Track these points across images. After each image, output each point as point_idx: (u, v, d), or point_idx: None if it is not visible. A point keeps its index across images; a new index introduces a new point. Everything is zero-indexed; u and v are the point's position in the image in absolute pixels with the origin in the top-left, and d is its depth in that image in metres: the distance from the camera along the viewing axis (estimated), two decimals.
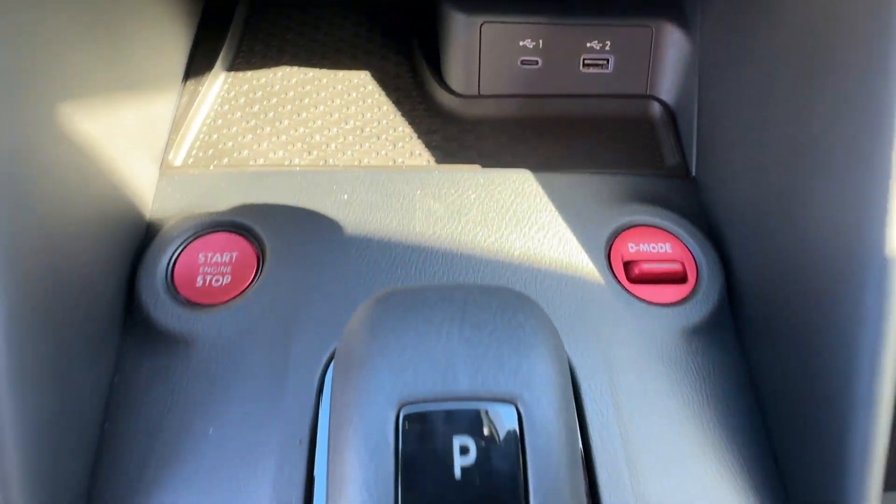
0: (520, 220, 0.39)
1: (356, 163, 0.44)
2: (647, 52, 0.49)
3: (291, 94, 0.49)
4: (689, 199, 0.44)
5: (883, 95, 0.29)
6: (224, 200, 0.40)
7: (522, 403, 0.21)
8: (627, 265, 0.38)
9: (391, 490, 0.19)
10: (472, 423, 0.20)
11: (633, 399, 0.33)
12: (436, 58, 0.51)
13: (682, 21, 0.48)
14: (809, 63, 0.34)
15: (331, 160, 0.44)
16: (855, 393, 0.29)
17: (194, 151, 0.44)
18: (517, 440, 0.20)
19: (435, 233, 0.37)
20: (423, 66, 0.51)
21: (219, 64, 0.50)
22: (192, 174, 0.42)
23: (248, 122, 0.47)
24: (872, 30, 0.29)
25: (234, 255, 0.37)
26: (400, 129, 0.47)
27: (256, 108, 0.48)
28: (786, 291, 0.34)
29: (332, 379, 0.23)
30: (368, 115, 0.48)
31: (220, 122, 0.47)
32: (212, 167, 0.43)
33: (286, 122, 0.47)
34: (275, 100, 0.49)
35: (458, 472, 0.19)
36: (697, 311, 0.37)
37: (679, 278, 0.38)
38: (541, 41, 0.48)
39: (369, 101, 0.49)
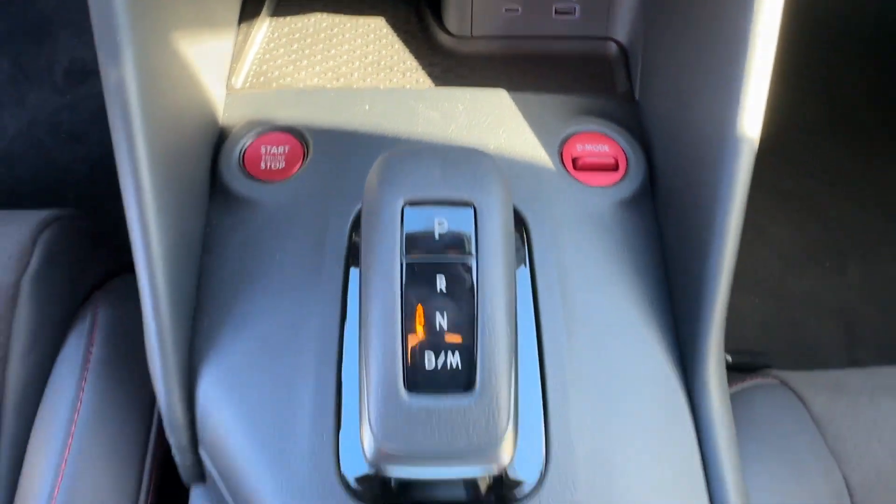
0: (496, 125, 0.52)
1: (374, 86, 0.57)
2: (606, 2, 0.61)
3: (322, 35, 0.62)
4: (632, 116, 0.56)
5: (740, 40, 0.41)
6: (274, 112, 0.53)
7: (478, 205, 0.34)
8: (575, 160, 0.51)
9: (398, 248, 0.33)
10: (447, 211, 0.34)
11: (572, 248, 0.46)
12: (438, 6, 0.64)
13: None
14: (709, 12, 0.46)
15: (355, 84, 0.58)
16: (710, 244, 0.42)
17: (250, 78, 0.58)
18: (473, 221, 0.34)
19: (432, 132, 0.51)
20: (427, 13, 0.64)
21: (264, 11, 0.63)
22: (249, 94, 0.55)
23: (289, 57, 0.60)
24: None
25: (287, 147, 0.50)
26: (408, 62, 0.60)
27: (295, 46, 0.61)
28: (685, 175, 0.47)
29: (363, 197, 0.37)
30: (383, 51, 0.61)
31: (267, 56, 0.60)
32: (263, 89, 0.56)
33: (319, 56, 0.60)
34: (309, 39, 0.62)
35: (437, 236, 0.33)
36: (625, 190, 0.50)
37: (613, 167, 0.51)
38: None
39: (384, 41, 0.62)
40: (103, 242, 0.64)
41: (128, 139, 0.39)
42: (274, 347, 0.41)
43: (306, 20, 0.63)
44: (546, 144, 0.51)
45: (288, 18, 0.64)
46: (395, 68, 0.59)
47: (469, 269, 0.33)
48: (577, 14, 0.62)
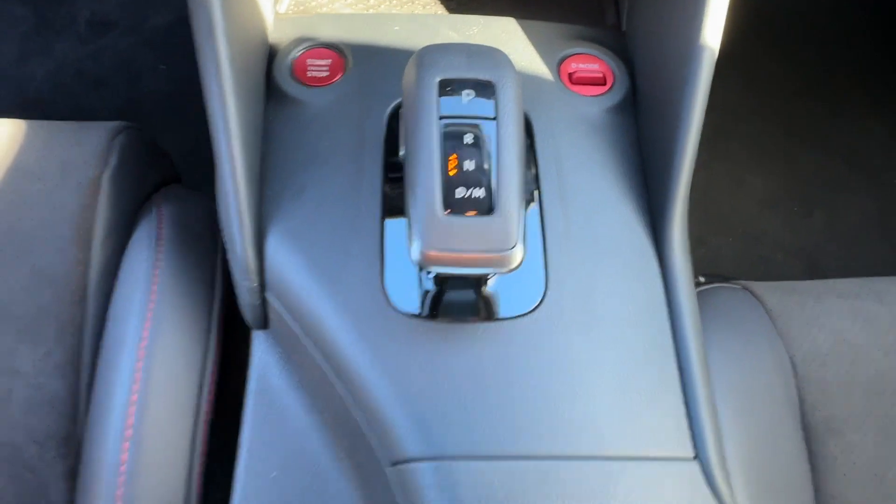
0: (505, 45, 0.62)
1: (403, 11, 0.67)
2: None
3: None
4: (619, 44, 0.66)
5: None
6: (316, 32, 0.62)
7: (496, 82, 0.44)
8: (570, 74, 0.61)
9: (435, 112, 0.43)
10: (473, 84, 0.44)
11: (567, 142, 0.57)
12: None
13: None
14: None
15: (384, 11, 0.67)
16: (678, 130, 0.52)
17: (292, 5, 0.67)
18: (493, 93, 0.44)
19: None
20: None
21: None
22: (293, 17, 0.65)
23: None
24: None
25: (329, 60, 0.60)
26: None
27: None
28: (660, 85, 0.58)
29: (403, 79, 0.47)
30: None
31: None
32: (304, 14, 0.66)
33: None
34: None
35: (465, 104, 0.43)
36: (612, 99, 0.60)
37: (602, 82, 0.61)
38: None
39: None
40: (159, 154, 0.73)
41: (211, 41, 0.48)
42: (327, 208, 0.51)
43: None
44: (547, 62, 0.61)
45: None
46: (418, 1, 0.69)
47: (490, 129, 0.43)
48: None
